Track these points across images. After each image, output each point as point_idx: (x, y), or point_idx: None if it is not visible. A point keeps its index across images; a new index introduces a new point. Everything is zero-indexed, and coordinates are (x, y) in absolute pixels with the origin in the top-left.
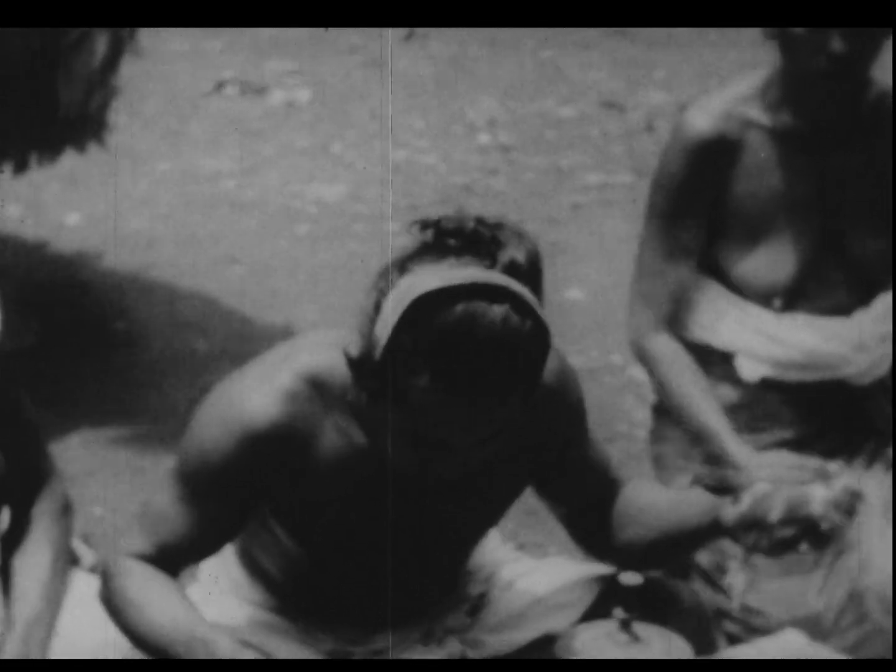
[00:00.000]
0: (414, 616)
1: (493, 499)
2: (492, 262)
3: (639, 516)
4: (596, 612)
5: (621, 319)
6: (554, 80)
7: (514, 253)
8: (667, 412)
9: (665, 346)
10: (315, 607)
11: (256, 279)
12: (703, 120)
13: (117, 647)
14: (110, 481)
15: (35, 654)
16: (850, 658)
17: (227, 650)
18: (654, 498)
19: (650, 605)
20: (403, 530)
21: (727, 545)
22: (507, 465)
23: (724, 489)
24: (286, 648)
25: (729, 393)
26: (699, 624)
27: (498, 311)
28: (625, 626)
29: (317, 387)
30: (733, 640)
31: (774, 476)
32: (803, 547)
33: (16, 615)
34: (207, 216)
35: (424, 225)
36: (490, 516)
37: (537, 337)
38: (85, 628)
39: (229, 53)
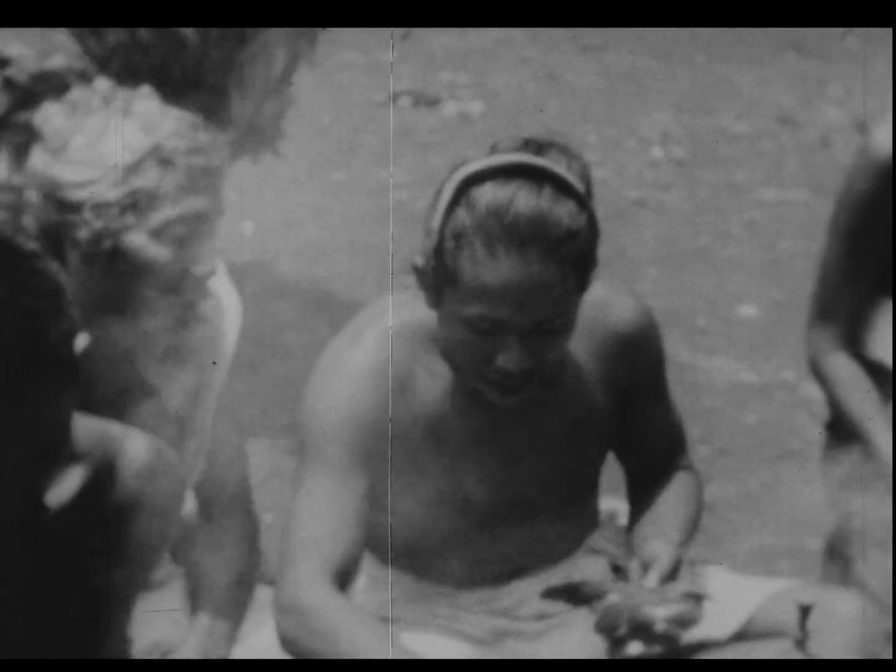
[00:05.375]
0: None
1: (584, 451)
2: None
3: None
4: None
5: (794, 336)
6: (728, 95)
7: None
8: (840, 431)
9: (843, 366)
10: (442, 566)
11: None
12: (891, 140)
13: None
14: (284, 489)
15: (215, 656)
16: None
17: None
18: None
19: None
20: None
21: None
22: (593, 414)
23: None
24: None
25: None
26: (866, 637)
27: (539, 186)
28: (799, 646)
29: (404, 336)
30: None
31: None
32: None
33: (199, 616)
34: (380, 227)
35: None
36: (584, 468)
37: (579, 216)
38: (267, 638)
39: (403, 65)
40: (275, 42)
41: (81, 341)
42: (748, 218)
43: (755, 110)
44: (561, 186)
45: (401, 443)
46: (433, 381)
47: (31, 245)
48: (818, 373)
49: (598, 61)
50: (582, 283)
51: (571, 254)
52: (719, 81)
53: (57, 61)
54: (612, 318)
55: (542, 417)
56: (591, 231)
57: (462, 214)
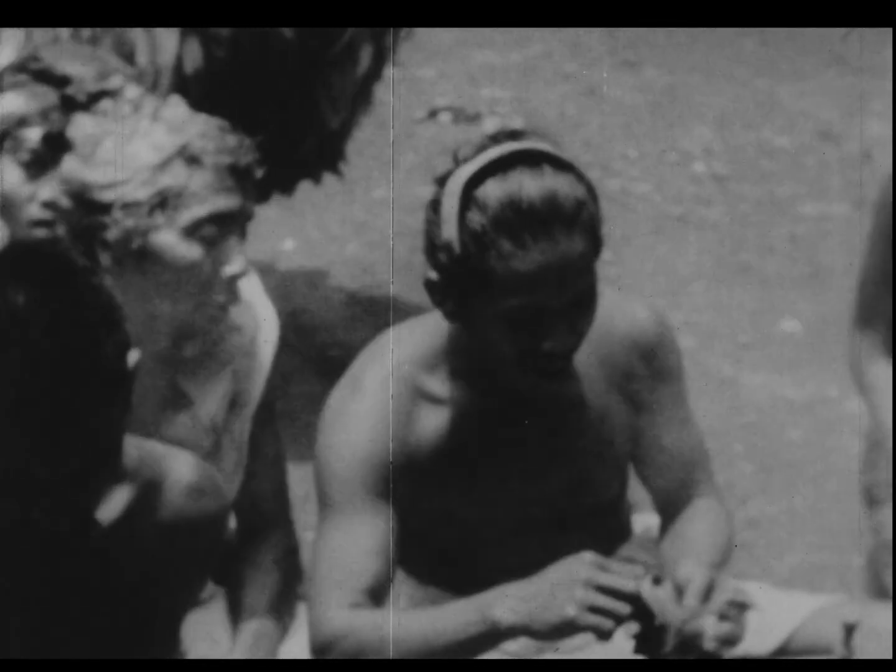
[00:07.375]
0: None
1: (603, 460)
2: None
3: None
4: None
5: (837, 351)
6: (769, 110)
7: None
8: (880, 441)
9: (882, 373)
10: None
11: None
12: None
13: None
14: None
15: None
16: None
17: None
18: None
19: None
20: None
21: None
22: (608, 420)
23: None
24: None
25: None
26: None
27: (538, 167)
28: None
29: (402, 374)
30: None
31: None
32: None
33: (243, 626)
34: (420, 244)
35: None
36: (606, 477)
37: (580, 184)
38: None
39: (443, 81)
40: (359, 41)
41: (133, 356)
42: (790, 232)
43: (796, 125)
44: (554, 162)
45: (418, 472)
46: (439, 408)
47: (85, 260)
48: (859, 380)
49: (638, 76)
50: (597, 247)
51: (586, 221)
52: (760, 95)
53: (115, 82)
54: (624, 324)
55: (555, 428)
56: (592, 195)
57: (475, 217)
